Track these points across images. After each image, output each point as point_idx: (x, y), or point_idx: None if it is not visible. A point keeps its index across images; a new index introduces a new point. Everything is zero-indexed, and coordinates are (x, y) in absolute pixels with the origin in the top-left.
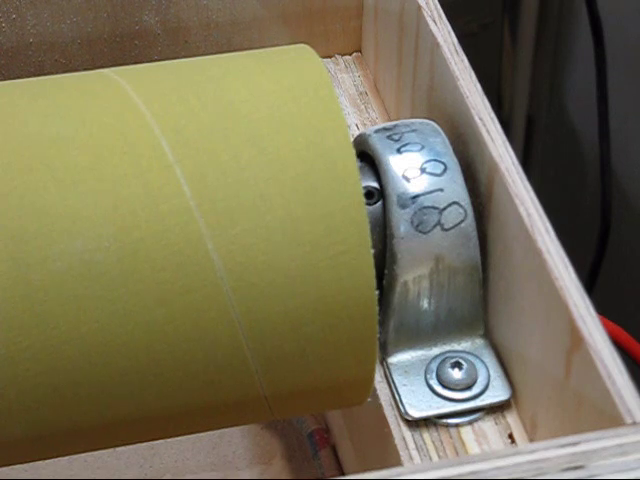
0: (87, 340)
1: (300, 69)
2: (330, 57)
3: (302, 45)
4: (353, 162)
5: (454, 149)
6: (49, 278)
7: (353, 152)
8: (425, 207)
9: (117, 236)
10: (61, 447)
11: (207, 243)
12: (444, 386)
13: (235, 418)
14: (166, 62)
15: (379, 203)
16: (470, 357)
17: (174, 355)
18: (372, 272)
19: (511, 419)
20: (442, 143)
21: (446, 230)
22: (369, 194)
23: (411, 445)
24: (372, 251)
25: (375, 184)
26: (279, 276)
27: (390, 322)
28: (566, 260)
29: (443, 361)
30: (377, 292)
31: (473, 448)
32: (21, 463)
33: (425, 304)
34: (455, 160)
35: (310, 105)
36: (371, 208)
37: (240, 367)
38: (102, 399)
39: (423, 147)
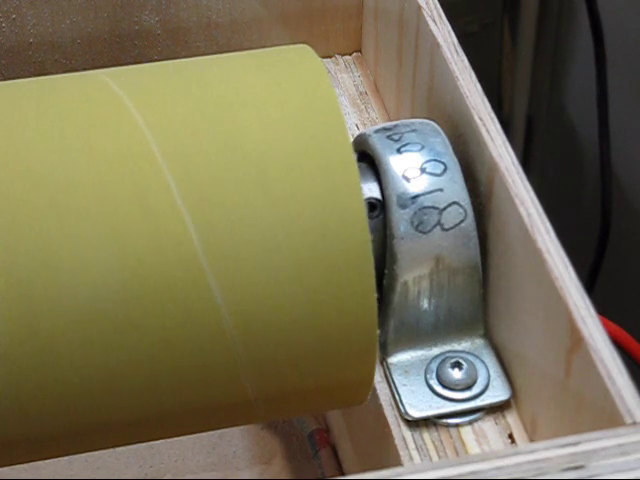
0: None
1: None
2: (330, 57)
3: (302, 45)
4: (353, 164)
5: (454, 149)
6: (57, 326)
7: (353, 155)
8: (425, 207)
9: (124, 285)
10: (61, 447)
11: (216, 297)
12: (444, 386)
13: (236, 419)
14: (166, 63)
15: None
16: (470, 357)
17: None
18: (372, 272)
19: (511, 419)
20: (442, 143)
21: (446, 230)
22: (371, 206)
23: (411, 445)
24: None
25: (377, 194)
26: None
27: (390, 322)
28: (566, 260)
29: (443, 361)
30: (377, 292)
31: (473, 448)
32: (21, 463)
33: (425, 304)
34: (455, 160)
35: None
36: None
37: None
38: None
39: (423, 147)
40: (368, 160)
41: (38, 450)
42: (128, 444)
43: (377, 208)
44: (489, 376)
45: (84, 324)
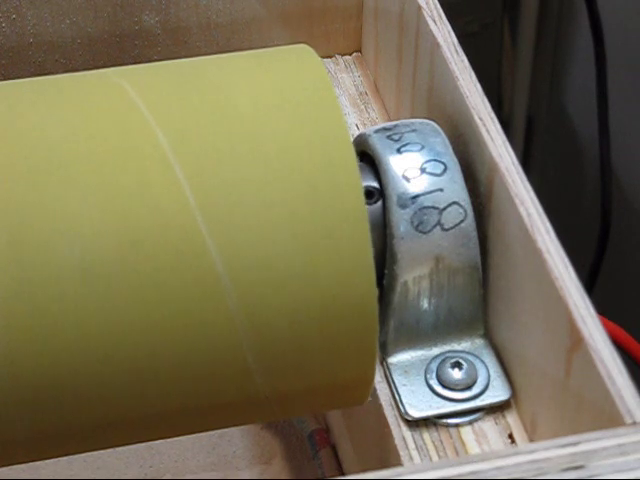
0: (87, 340)
1: (300, 69)
2: (330, 57)
3: (302, 45)
4: (354, 162)
5: (454, 149)
6: (50, 280)
7: (354, 153)
8: (425, 207)
9: (117, 240)
10: (61, 447)
11: (207, 242)
12: (444, 386)
13: (236, 418)
14: (168, 63)
15: (379, 203)
16: (470, 357)
17: (174, 357)
18: (372, 272)
19: (511, 419)
20: (442, 143)
21: (446, 230)
22: (369, 193)
23: (411, 445)
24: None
25: (375, 183)
26: (279, 276)
27: (390, 322)
28: (566, 260)
29: (443, 361)
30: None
31: (473, 448)
32: (21, 463)
33: (425, 304)
34: (455, 160)
35: (310, 105)
36: (371, 208)
37: (240, 368)
38: (102, 398)
39: (423, 147)
40: (368, 160)
41: (38, 450)
42: (128, 444)
43: (375, 195)
44: (489, 376)
45: (76, 279)
